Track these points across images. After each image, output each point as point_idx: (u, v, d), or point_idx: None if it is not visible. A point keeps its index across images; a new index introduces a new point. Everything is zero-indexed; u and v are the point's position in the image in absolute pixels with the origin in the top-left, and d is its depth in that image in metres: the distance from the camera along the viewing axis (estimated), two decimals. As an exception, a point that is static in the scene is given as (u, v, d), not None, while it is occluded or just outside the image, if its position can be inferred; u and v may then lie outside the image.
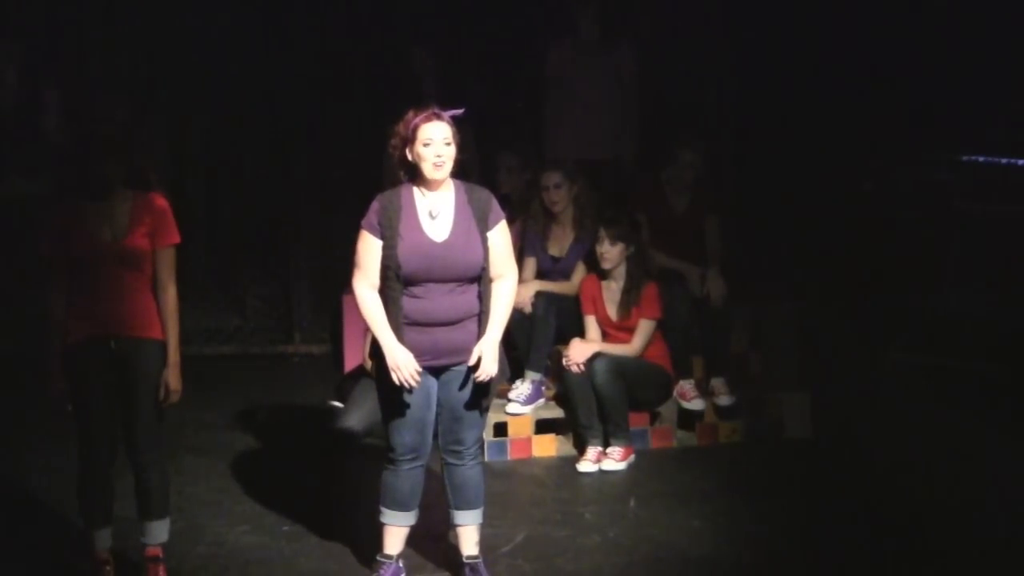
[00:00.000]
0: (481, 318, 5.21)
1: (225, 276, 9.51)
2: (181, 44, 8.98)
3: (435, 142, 5.13)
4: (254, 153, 9.21)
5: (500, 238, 5.24)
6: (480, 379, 5.21)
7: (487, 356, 5.18)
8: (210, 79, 9.05)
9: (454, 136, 5.16)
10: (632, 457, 7.05)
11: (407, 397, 5.20)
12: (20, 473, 6.79)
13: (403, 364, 5.13)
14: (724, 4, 8.94)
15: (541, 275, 7.49)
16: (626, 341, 7.15)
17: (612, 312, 7.18)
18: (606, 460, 6.99)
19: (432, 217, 5.19)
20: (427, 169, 5.15)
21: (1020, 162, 8.68)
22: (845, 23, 8.84)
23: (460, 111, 5.27)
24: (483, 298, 5.21)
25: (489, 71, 8.96)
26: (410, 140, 5.16)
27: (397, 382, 5.14)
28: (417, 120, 5.15)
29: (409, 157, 5.18)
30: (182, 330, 5.34)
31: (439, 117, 5.17)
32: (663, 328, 7.25)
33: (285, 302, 9.39)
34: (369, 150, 8.50)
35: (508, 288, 5.27)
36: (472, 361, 5.19)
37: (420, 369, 5.15)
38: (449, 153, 5.15)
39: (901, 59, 8.83)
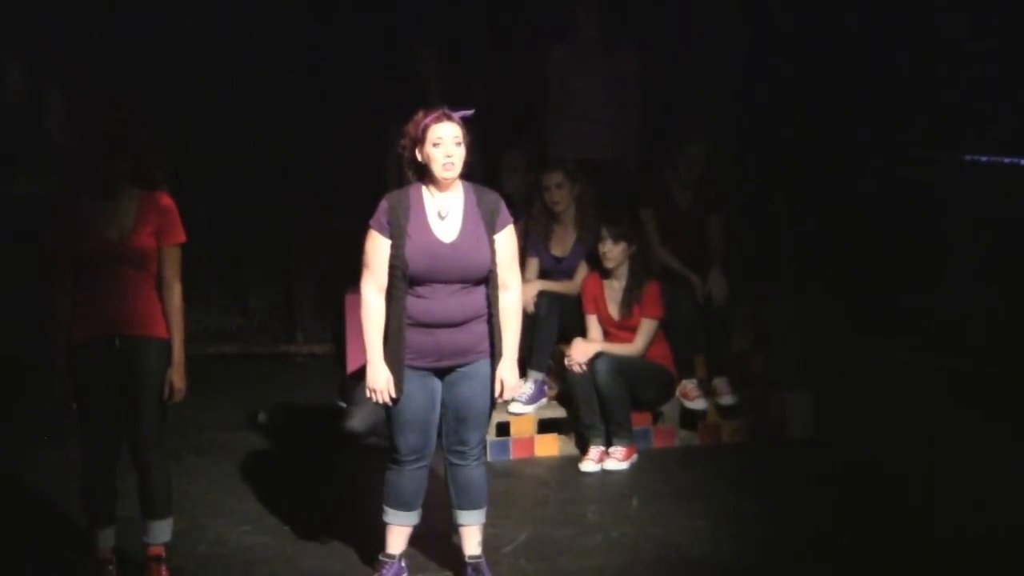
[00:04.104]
0: (491, 321, 5.22)
1: (227, 276, 9.51)
2: (182, 44, 8.97)
3: (445, 142, 5.13)
4: (256, 152, 9.20)
5: (506, 242, 5.24)
6: (504, 399, 5.34)
7: (508, 381, 5.27)
8: (212, 79, 9.05)
9: (464, 137, 5.17)
10: (635, 457, 7.06)
11: (411, 399, 5.22)
12: (22, 472, 6.78)
13: (380, 389, 5.19)
14: (726, 3, 8.93)
15: (543, 275, 7.50)
16: (628, 340, 7.15)
17: (614, 311, 7.18)
18: (608, 460, 7.00)
19: (441, 218, 5.19)
20: (437, 169, 5.15)
21: (1021, 162, 8.68)
22: (846, 22, 8.85)
23: (470, 112, 5.28)
24: (491, 300, 5.22)
25: (491, 71, 8.95)
26: (420, 140, 5.16)
27: (371, 399, 5.21)
28: (427, 120, 5.15)
29: (419, 157, 5.18)
30: (185, 329, 5.35)
31: (449, 118, 5.17)
32: (665, 327, 7.26)
33: (288, 302, 9.41)
34: (371, 149, 8.54)
35: (514, 302, 5.28)
36: (497, 392, 5.27)
37: (394, 395, 5.19)
38: (459, 153, 5.15)
39: (902, 58, 8.83)
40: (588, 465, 6.99)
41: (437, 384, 5.27)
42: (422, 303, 5.16)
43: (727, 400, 7.46)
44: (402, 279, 5.14)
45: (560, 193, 7.44)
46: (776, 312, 7.95)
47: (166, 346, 5.26)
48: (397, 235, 5.14)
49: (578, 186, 7.47)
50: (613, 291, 7.21)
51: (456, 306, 5.17)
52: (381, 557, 5.45)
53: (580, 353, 7.06)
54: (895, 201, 8.87)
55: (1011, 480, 6.50)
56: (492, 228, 5.20)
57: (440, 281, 5.14)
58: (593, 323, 7.21)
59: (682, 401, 7.40)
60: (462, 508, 5.41)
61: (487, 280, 5.21)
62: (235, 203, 9.31)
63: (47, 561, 5.74)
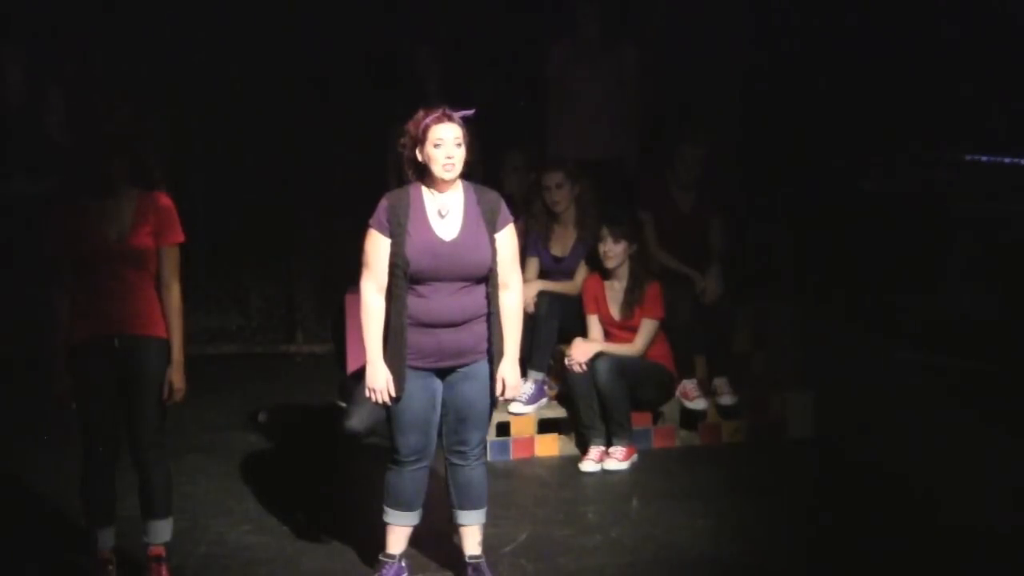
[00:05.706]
0: (490, 320, 5.22)
1: (228, 276, 9.50)
2: (183, 43, 8.97)
3: (446, 143, 5.13)
4: (256, 152, 9.20)
5: (507, 241, 5.24)
6: (506, 398, 5.34)
7: (510, 380, 5.27)
8: (212, 79, 9.05)
9: (464, 137, 5.16)
10: (635, 457, 7.06)
11: (411, 399, 5.22)
12: (22, 472, 6.78)
13: (380, 388, 5.18)
14: (727, 3, 8.94)
15: (543, 275, 7.50)
16: (629, 341, 7.15)
17: (615, 311, 7.18)
18: (609, 460, 7.00)
19: (441, 216, 5.19)
20: (437, 170, 5.14)
21: (1021, 162, 8.69)
22: (847, 22, 8.85)
23: (471, 112, 5.27)
24: (491, 299, 5.22)
25: (491, 71, 8.95)
26: (420, 140, 5.15)
27: (370, 398, 5.21)
28: (428, 120, 5.15)
29: (419, 157, 5.18)
30: (185, 329, 5.35)
31: (450, 118, 5.16)
32: (665, 328, 7.26)
33: (288, 301, 9.40)
34: (371, 150, 8.53)
35: (515, 302, 5.28)
36: (499, 391, 5.27)
37: (395, 394, 5.19)
38: (460, 154, 5.15)
39: (903, 58, 8.83)
40: (588, 465, 6.99)
41: (438, 384, 5.26)
42: (423, 302, 5.16)
43: (727, 400, 7.46)
44: (403, 278, 5.14)
45: (560, 193, 7.44)
46: (776, 312, 7.95)
47: (165, 346, 5.26)
48: (397, 234, 5.14)
49: (578, 186, 7.47)
50: (614, 291, 7.21)
51: (457, 305, 5.17)
52: (381, 557, 5.45)
53: (580, 353, 7.06)
54: (895, 201, 8.87)
55: (1011, 480, 6.50)
56: (493, 227, 5.20)
57: (441, 280, 5.14)
58: (594, 323, 7.21)
59: (682, 401, 7.39)
60: (462, 508, 5.41)
61: (487, 279, 5.21)
62: (235, 203, 9.31)
63: (47, 561, 5.74)
